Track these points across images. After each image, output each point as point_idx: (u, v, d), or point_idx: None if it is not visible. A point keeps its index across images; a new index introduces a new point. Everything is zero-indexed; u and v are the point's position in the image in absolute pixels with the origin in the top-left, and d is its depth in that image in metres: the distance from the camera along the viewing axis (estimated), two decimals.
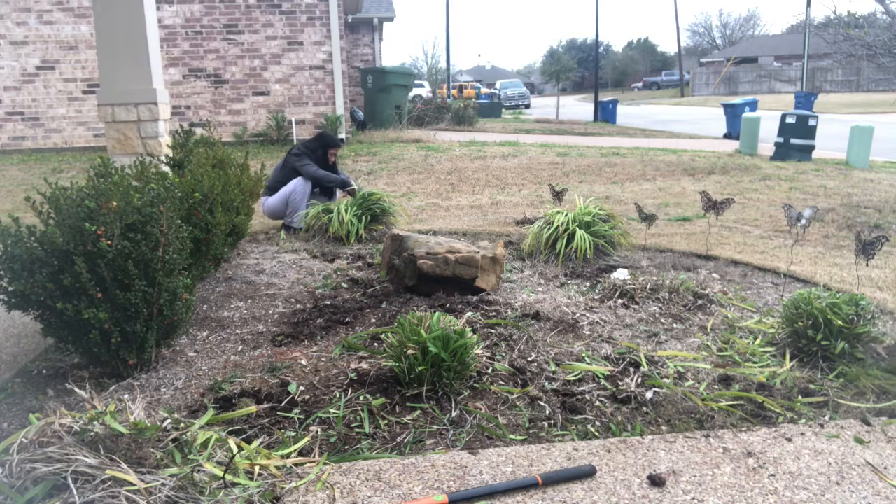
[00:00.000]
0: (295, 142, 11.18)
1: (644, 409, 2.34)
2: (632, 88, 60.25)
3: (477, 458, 2.00)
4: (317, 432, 2.16)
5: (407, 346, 2.40)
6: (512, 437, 2.17)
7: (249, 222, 4.70)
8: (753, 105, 16.20)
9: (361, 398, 2.38)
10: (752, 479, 1.91)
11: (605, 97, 26.04)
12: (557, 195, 4.99)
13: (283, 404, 2.34)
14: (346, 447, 2.09)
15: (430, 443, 2.14)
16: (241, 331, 3.13)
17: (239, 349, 2.91)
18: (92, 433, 1.73)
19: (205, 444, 1.88)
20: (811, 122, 10.58)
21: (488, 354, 2.75)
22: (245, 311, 3.41)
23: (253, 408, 2.24)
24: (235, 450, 1.88)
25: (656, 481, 1.87)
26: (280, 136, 11.63)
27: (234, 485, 1.75)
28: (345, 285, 3.84)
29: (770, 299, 3.65)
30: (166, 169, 3.84)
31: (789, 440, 2.13)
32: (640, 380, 2.55)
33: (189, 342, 2.99)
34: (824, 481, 1.91)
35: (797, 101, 22.45)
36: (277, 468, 1.88)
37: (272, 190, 5.48)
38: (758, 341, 2.95)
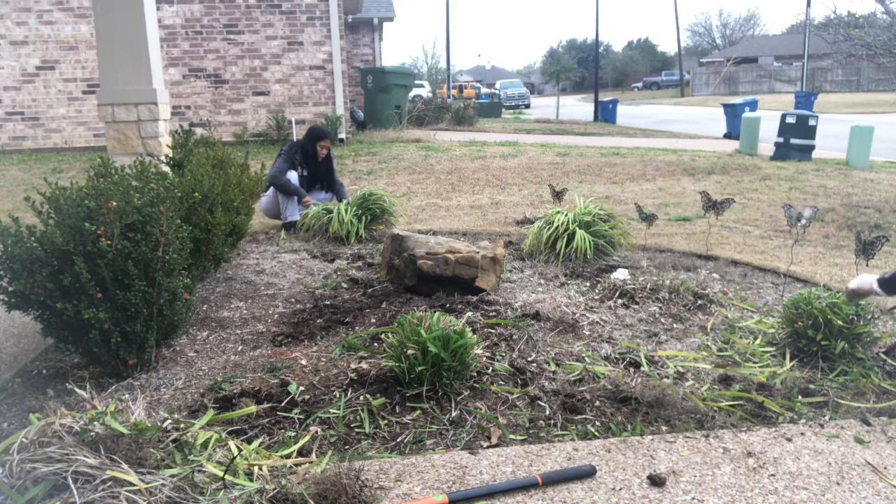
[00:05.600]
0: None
1: (644, 409, 2.34)
2: (632, 88, 60.24)
3: (477, 458, 2.00)
4: (317, 432, 2.16)
5: (407, 346, 2.40)
6: (512, 437, 2.17)
7: (249, 222, 4.70)
8: (753, 105, 16.20)
9: (361, 398, 2.38)
10: (752, 479, 1.91)
11: (605, 97, 26.04)
12: (557, 195, 4.99)
13: (283, 404, 2.34)
14: (347, 447, 2.09)
15: (430, 443, 2.14)
16: (241, 331, 3.13)
17: (239, 349, 2.91)
18: (92, 433, 1.73)
19: (205, 445, 1.88)
20: (811, 122, 10.58)
21: (488, 354, 2.75)
22: (245, 311, 3.41)
23: (253, 408, 2.24)
24: (236, 450, 1.88)
25: (656, 481, 1.87)
26: (280, 136, 11.62)
27: (234, 485, 1.75)
28: (345, 285, 3.84)
29: (770, 299, 3.65)
30: (166, 169, 3.84)
31: (789, 440, 2.13)
32: (640, 380, 2.55)
33: (189, 342, 2.99)
34: (824, 481, 1.91)
35: (797, 101, 22.44)
36: (277, 468, 1.88)
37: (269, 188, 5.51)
38: (758, 341, 2.95)
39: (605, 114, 23.00)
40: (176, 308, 2.69)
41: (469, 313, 3.23)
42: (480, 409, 2.32)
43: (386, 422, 2.24)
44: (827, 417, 2.31)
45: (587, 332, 3.08)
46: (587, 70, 57.74)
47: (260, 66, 11.66)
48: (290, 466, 1.91)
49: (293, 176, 5.44)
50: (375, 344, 2.90)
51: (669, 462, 1.99)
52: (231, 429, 2.14)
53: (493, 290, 3.63)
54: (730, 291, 3.74)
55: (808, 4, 35.93)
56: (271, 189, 5.44)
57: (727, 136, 15.54)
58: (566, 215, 4.48)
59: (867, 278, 2.62)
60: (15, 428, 2.18)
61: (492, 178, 8.54)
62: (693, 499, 1.82)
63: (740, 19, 77.34)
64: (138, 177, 3.03)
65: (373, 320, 3.24)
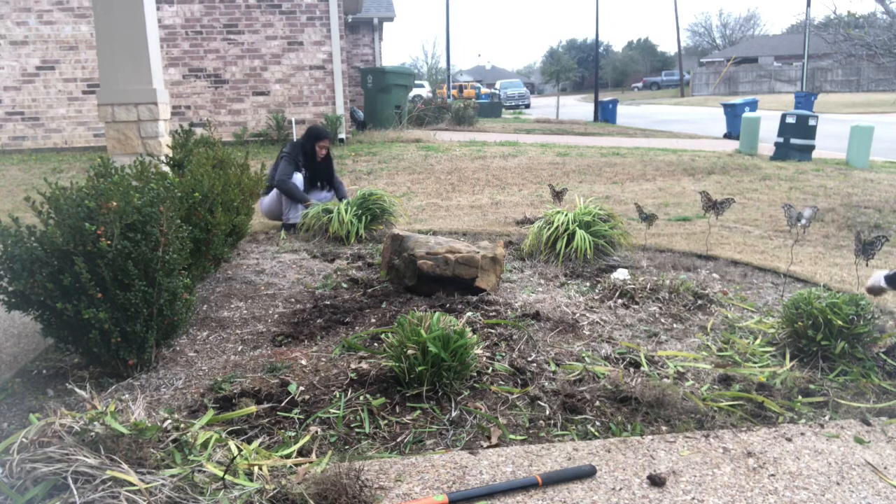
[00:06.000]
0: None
1: (644, 409, 2.34)
2: (632, 88, 60.25)
3: (477, 458, 2.00)
4: (317, 432, 2.16)
5: (407, 346, 2.40)
6: (512, 437, 2.17)
7: (249, 222, 4.70)
8: (753, 105, 16.20)
9: (361, 398, 2.38)
10: (752, 479, 1.91)
11: (605, 97, 26.04)
12: (557, 195, 4.99)
13: (283, 404, 2.34)
14: (347, 447, 2.09)
15: (430, 443, 2.14)
16: (241, 331, 3.13)
17: (239, 349, 2.91)
18: (92, 433, 1.73)
19: (205, 445, 1.88)
20: (811, 122, 10.58)
21: (488, 354, 2.75)
22: (245, 311, 3.41)
23: (253, 408, 2.24)
24: (236, 450, 1.88)
25: (656, 481, 1.87)
26: (280, 136, 11.62)
27: (234, 485, 1.75)
28: (345, 285, 3.84)
29: (770, 299, 3.65)
30: (166, 169, 3.84)
31: (789, 440, 2.13)
32: (640, 380, 2.55)
33: (189, 342, 2.99)
34: (824, 481, 1.91)
35: (797, 101, 22.45)
36: (277, 468, 1.88)
37: (270, 189, 5.49)
38: (758, 341, 2.95)
39: (605, 114, 23.00)
40: (176, 308, 2.69)
41: (469, 313, 3.23)
42: (480, 409, 2.32)
43: (386, 422, 2.24)
44: (827, 417, 2.31)
45: (587, 332, 3.08)
46: (587, 70, 57.74)
47: (260, 66, 11.66)
48: (290, 466, 1.91)
49: (299, 179, 5.46)
50: (375, 344, 2.90)
51: (669, 462, 1.99)
52: (231, 429, 2.14)
53: (493, 290, 3.63)
54: (730, 291, 3.74)
55: (808, 4, 35.99)
56: (274, 191, 5.44)
57: (727, 136, 15.54)
58: (566, 215, 4.48)
59: (878, 274, 2.88)
60: (15, 428, 2.18)
61: (492, 178, 8.54)
62: (693, 499, 1.82)
63: (740, 19, 77.44)
64: (138, 177, 3.03)
65: (373, 320, 3.24)
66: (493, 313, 3.28)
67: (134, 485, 1.63)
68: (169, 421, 1.90)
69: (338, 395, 2.40)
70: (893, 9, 9.61)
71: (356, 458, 1.98)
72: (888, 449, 2.09)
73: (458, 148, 11.61)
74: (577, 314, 3.29)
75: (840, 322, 2.67)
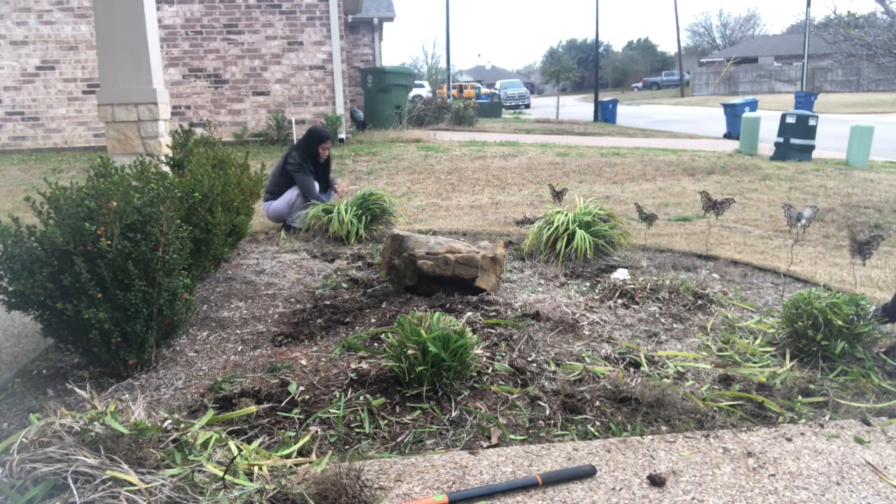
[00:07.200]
0: (295, 142, 11.16)
1: (644, 409, 2.34)
2: (632, 88, 60.26)
3: (477, 458, 2.00)
4: (317, 432, 2.16)
5: (407, 346, 2.40)
6: (512, 437, 2.17)
7: (249, 222, 4.70)
8: (753, 105, 16.20)
9: (361, 398, 2.38)
10: (752, 479, 1.91)
11: (605, 97, 26.04)
12: (557, 195, 4.99)
13: (283, 404, 2.34)
14: (347, 447, 2.09)
15: (430, 443, 2.14)
16: (241, 331, 3.13)
17: (239, 349, 2.91)
18: (92, 433, 1.73)
19: (205, 445, 1.88)
20: (811, 122, 10.58)
21: (488, 354, 2.75)
22: (245, 311, 3.41)
23: (253, 408, 2.24)
24: (236, 450, 1.88)
25: (656, 481, 1.88)
26: (280, 136, 11.62)
27: (234, 485, 1.75)
28: (345, 285, 3.84)
29: (770, 299, 3.65)
30: (166, 169, 3.84)
31: (789, 440, 2.13)
32: (640, 380, 2.55)
33: (189, 342, 2.99)
34: (824, 481, 1.91)
35: (797, 101, 22.45)
36: (277, 468, 1.88)
37: (273, 195, 5.47)
38: (758, 341, 2.95)
39: (605, 114, 23.00)
40: (176, 308, 2.69)
41: (469, 313, 3.23)
42: (480, 409, 2.32)
43: (386, 422, 2.24)
44: (827, 417, 2.31)
45: (587, 332, 3.08)
46: (587, 70, 57.72)
47: (260, 66, 11.66)
48: (290, 466, 1.91)
49: (317, 187, 5.51)
50: (375, 344, 2.90)
51: (669, 462, 1.99)
52: (231, 429, 2.14)
53: (493, 290, 3.63)
54: (730, 291, 3.74)
55: (808, 4, 36.02)
56: (286, 197, 5.41)
57: (727, 136, 15.54)
58: (566, 215, 4.48)
59: None
60: (15, 428, 2.18)
61: (492, 178, 8.54)
62: (693, 499, 1.82)
63: (740, 19, 77.47)
64: (138, 177, 3.03)
65: (373, 320, 3.24)
66: (493, 313, 3.28)
67: (134, 485, 1.63)
68: (169, 421, 1.90)
69: (338, 395, 2.40)
70: (893, 9, 9.61)
71: (356, 458, 1.99)
72: (888, 449, 2.09)
73: (458, 148, 11.61)
74: (577, 314, 3.29)
75: (840, 322, 2.67)
